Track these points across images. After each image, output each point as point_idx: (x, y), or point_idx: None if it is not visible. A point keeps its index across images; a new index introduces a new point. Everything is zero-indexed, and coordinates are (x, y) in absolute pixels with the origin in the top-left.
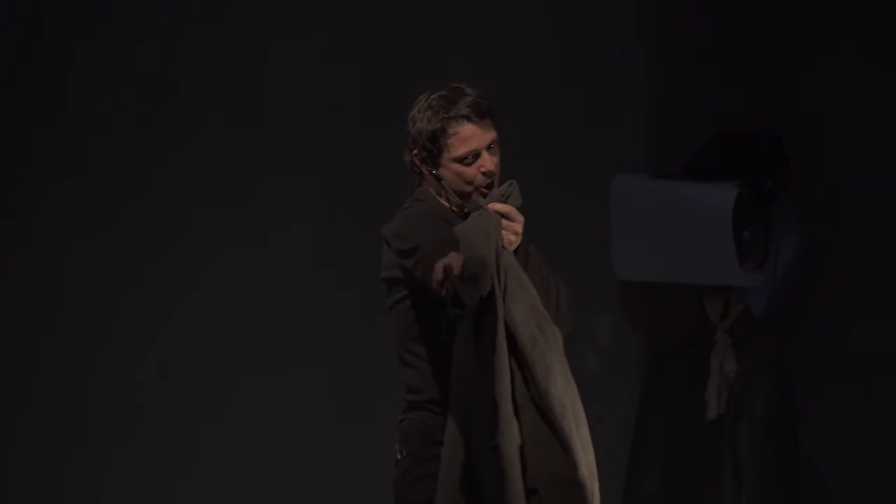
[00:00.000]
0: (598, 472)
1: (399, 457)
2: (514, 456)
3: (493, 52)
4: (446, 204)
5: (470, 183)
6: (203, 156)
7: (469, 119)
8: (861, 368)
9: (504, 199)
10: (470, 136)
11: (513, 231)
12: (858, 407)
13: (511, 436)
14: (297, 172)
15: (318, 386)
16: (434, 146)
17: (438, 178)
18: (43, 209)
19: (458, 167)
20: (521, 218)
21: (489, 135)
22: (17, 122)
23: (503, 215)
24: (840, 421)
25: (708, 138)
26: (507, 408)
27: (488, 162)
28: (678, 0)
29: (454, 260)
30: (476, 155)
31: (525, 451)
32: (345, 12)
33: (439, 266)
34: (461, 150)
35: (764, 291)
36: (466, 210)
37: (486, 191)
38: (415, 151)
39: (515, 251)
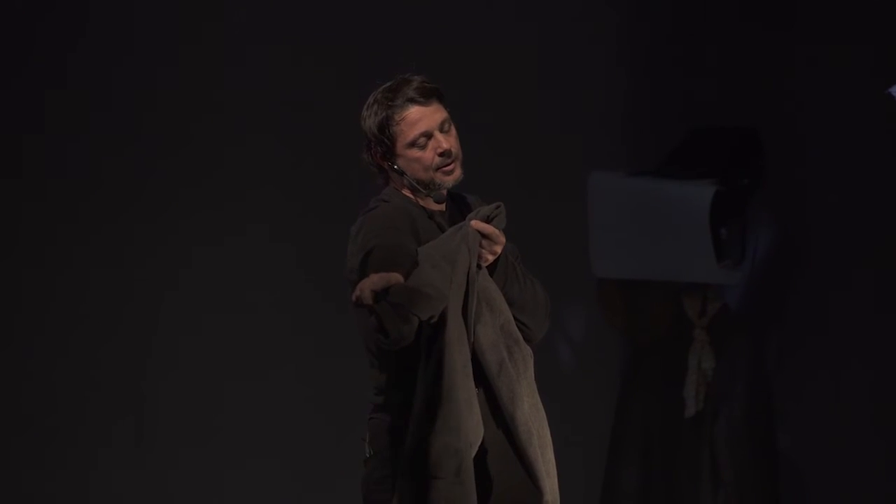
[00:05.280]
0: (573, 471)
1: (367, 455)
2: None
3: (469, 51)
4: (413, 197)
5: (429, 168)
6: (182, 157)
7: (414, 101)
8: (838, 366)
9: (489, 220)
10: (418, 118)
11: (491, 251)
12: (835, 404)
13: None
14: (274, 173)
15: (297, 385)
16: (386, 137)
17: (401, 173)
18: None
19: (413, 153)
20: (502, 240)
21: (439, 114)
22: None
23: (485, 236)
24: (817, 418)
25: (685, 136)
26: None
27: (443, 141)
28: None
29: (378, 281)
30: (428, 136)
31: (491, 474)
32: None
33: (364, 285)
34: (411, 134)
35: (741, 288)
36: (433, 196)
37: (447, 170)
38: (371, 149)
39: (492, 267)
